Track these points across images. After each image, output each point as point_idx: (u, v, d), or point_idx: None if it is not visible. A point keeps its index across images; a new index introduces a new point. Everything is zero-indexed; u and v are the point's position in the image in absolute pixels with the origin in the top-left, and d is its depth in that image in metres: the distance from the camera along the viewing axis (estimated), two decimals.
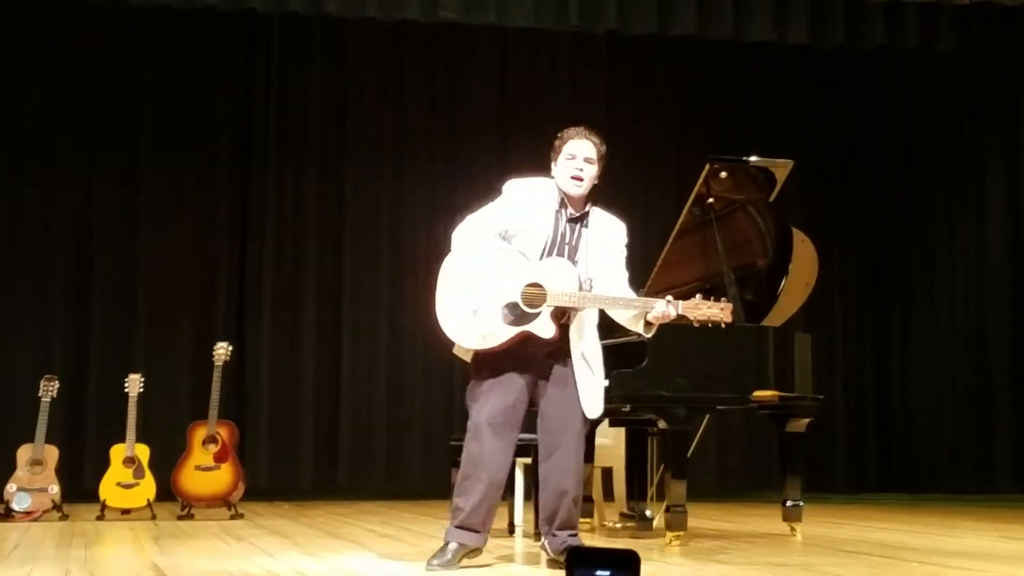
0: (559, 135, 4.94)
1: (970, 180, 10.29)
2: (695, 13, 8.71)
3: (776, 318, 6.25)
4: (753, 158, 6.23)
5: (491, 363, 4.76)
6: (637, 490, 6.55)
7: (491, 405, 4.74)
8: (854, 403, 10.80)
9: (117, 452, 7.42)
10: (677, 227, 6.13)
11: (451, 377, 9.97)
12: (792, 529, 6.17)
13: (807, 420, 6.22)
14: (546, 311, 4.66)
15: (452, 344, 4.89)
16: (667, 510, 5.72)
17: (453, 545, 4.71)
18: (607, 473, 6.90)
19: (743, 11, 8.78)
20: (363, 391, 9.90)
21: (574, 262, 4.77)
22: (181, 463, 7.48)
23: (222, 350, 7.70)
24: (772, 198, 6.33)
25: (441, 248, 10.46)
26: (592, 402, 4.81)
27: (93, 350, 9.36)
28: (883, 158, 11.07)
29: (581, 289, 4.71)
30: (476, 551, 4.78)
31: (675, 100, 10.69)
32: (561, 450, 4.79)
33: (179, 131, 9.71)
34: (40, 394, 7.46)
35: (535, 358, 4.75)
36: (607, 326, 6.44)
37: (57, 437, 7.66)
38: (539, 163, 10.53)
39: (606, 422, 6.65)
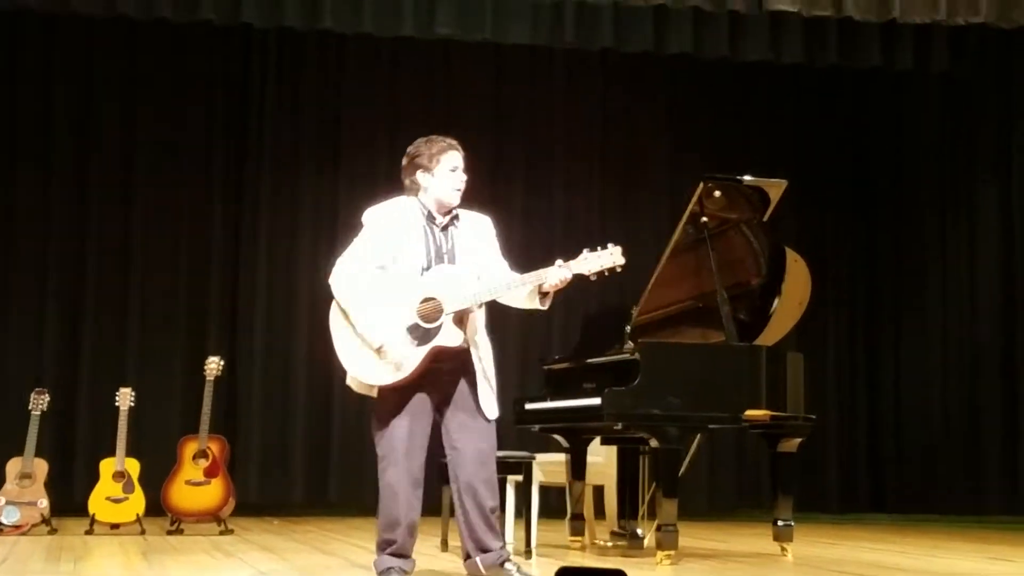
0: (427, 143, 4.88)
1: (962, 201, 10.31)
2: (690, 32, 8.74)
3: (769, 337, 6.24)
4: (747, 177, 6.23)
5: (396, 390, 4.71)
6: (628, 509, 6.53)
7: (400, 432, 4.75)
8: (846, 423, 10.80)
9: (107, 466, 7.39)
10: (671, 245, 6.12)
11: None
12: (783, 549, 6.16)
13: (799, 440, 6.21)
14: (447, 320, 4.63)
15: (350, 379, 4.85)
16: (658, 529, 5.71)
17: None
18: (598, 491, 6.88)
19: (738, 30, 8.81)
20: (354, 407, 9.85)
21: (444, 262, 4.74)
22: (171, 478, 7.45)
23: (214, 365, 7.68)
24: (766, 218, 6.33)
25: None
26: (491, 405, 4.79)
27: (84, 364, 9.33)
28: (876, 179, 11.09)
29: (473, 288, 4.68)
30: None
31: (669, 118, 10.70)
32: (479, 478, 4.82)
33: (174, 146, 9.70)
34: (30, 407, 7.44)
35: (439, 375, 4.71)
36: (593, 340, 6.46)
37: (47, 450, 7.64)
38: (533, 178, 10.57)
39: (597, 440, 6.65)
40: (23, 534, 7.13)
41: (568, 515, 6.62)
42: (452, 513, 6.26)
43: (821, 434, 9.93)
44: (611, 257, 4.76)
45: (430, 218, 4.81)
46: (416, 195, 4.86)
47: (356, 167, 10.08)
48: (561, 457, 6.69)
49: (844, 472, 10.70)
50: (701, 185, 6.08)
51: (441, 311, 4.64)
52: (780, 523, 6.17)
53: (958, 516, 9.62)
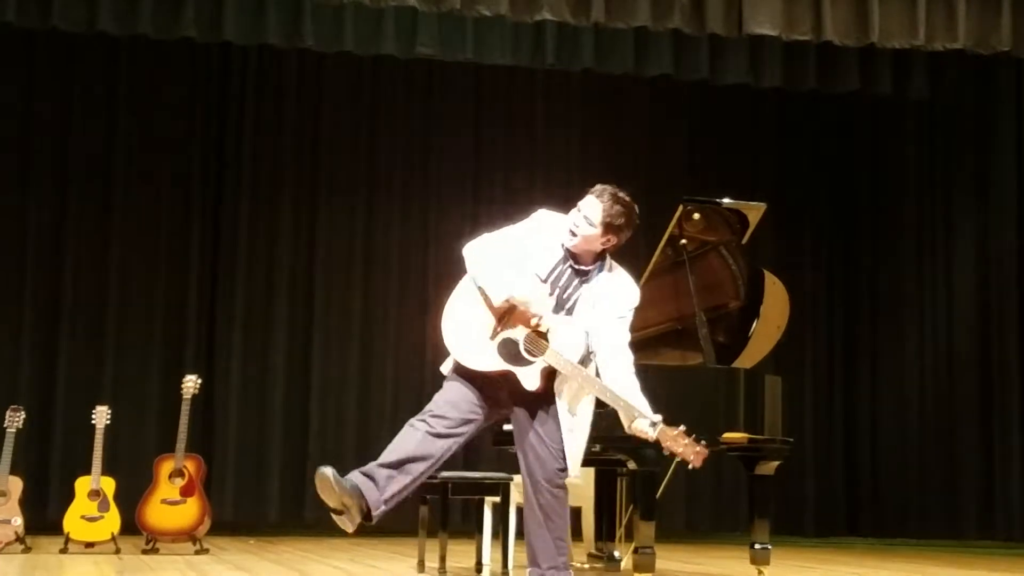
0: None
1: (940, 226, 10.36)
2: (670, 54, 8.78)
3: (747, 360, 6.25)
4: (726, 200, 6.25)
5: (472, 375, 4.62)
6: (605, 530, 6.52)
7: (453, 402, 4.64)
8: (823, 447, 10.81)
9: (82, 484, 7.34)
10: (649, 268, 6.13)
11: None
12: (760, 572, 6.15)
13: (776, 463, 6.21)
14: (539, 363, 4.52)
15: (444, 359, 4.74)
16: (635, 551, 5.69)
17: None
18: (576, 513, 6.85)
19: (718, 53, 8.86)
20: (332, 426, 9.85)
21: (570, 313, 4.61)
22: (147, 497, 7.40)
23: (191, 383, 7.64)
24: (745, 240, 6.35)
25: (413, 283, 10.50)
26: (573, 458, 4.66)
27: (60, 381, 9.28)
28: (855, 203, 11.15)
29: (585, 359, 4.57)
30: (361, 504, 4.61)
31: (649, 139, 10.73)
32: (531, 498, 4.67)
33: (152, 163, 9.68)
34: (5, 425, 7.38)
35: (516, 390, 4.59)
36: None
37: (22, 468, 7.57)
38: (512, 200, 10.58)
39: None
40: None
41: None
42: (430, 532, 6.26)
43: (798, 457, 9.94)
44: (693, 455, 4.56)
45: (571, 255, 4.68)
46: None
47: (336, 186, 10.08)
48: None
49: (821, 495, 10.71)
50: (680, 207, 6.10)
51: (542, 353, 4.51)
52: (757, 546, 6.16)
53: (935, 540, 9.64)
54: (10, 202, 9.38)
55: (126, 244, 9.57)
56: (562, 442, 4.62)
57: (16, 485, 7.27)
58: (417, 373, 9.80)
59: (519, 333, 4.55)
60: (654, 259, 6.12)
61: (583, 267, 4.68)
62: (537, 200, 10.50)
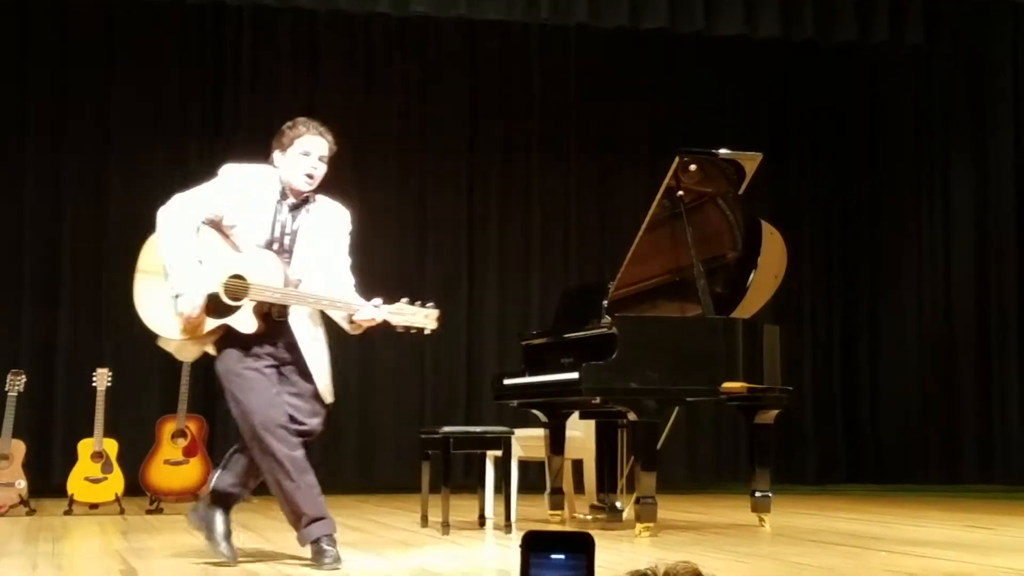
0: (291, 124, 4.76)
1: (938, 173, 10.35)
2: (666, 7, 8.72)
3: (745, 310, 6.28)
4: (722, 151, 6.24)
5: (242, 363, 4.62)
6: (607, 482, 6.56)
7: (261, 405, 4.61)
8: (823, 395, 10.86)
9: (85, 447, 7.38)
10: (647, 220, 6.13)
11: (422, 371, 9.98)
12: (761, 520, 6.21)
13: (776, 411, 6.25)
14: (248, 305, 4.56)
15: (156, 336, 4.77)
16: (637, 502, 5.74)
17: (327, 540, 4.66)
18: (577, 465, 6.92)
19: (713, 5, 8.80)
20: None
21: (292, 251, 4.66)
22: (150, 457, 7.45)
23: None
24: (741, 191, 6.35)
25: (411, 240, 10.51)
26: (327, 388, 4.73)
27: (61, 344, 9.28)
28: (852, 151, 11.13)
29: (287, 284, 4.61)
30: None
31: (645, 93, 10.70)
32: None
33: (148, 125, 9.64)
34: (7, 388, 7.41)
35: (267, 352, 4.64)
36: (571, 316, 6.48)
37: (24, 432, 7.60)
38: (509, 156, 10.55)
39: (576, 414, 6.68)
40: (1, 515, 7.10)
41: (547, 489, 6.65)
42: (432, 488, 6.30)
43: (798, 406, 9.99)
44: (425, 319, 4.65)
45: (283, 195, 4.71)
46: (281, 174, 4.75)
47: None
48: (540, 432, 6.72)
49: (821, 443, 10.77)
50: (677, 159, 6.09)
51: (246, 293, 4.55)
52: (758, 494, 6.22)
53: (934, 485, 9.70)
54: (7, 166, 9.35)
55: (124, 207, 9.52)
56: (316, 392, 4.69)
57: (19, 449, 7.30)
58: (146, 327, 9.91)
59: (217, 285, 4.59)
60: (651, 211, 6.12)
61: (297, 201, 4.73)
62: (532, 155, 10.56)
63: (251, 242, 4.62)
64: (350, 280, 4.81)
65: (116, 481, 7.34)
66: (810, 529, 6.28)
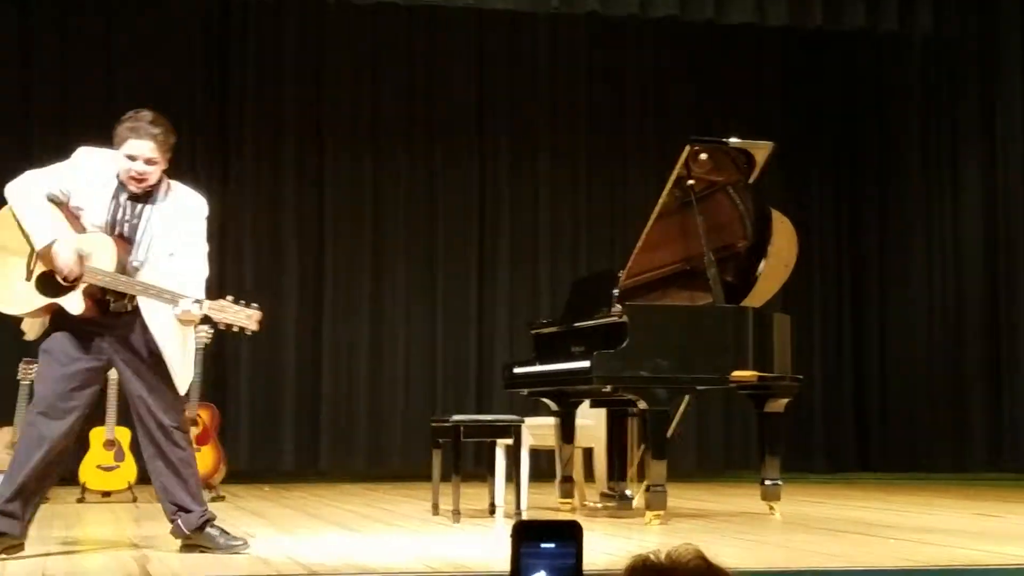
0: (123, 119, 4.64)
1: (947, 160, 10.33)
2: None
3: (756, 299, 6.28)
4: (733, 140, 6.24)
5: (59, 344, 4.60)
6: (617, 470, 6.58)
7: (49, 391, 4.59)
8: (832, 383, 10.86)
9: (97, 435, 7.40)
10: (657, 209, 6.13)
11: (432, 360, 10.00)
12: (771, 508, 6.22)
13: (786, 400, 6.26)
14: (80, 287, 4.53)
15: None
16: (647, 490, 5.76)
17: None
18: (588, 453, 6.94)
19: None
20: (343, 374, 9.90)
21: (134, 240, 4.58)
22: None
23: (203, 334, 7.66)
24: (752, 180, 6.35)
25: (422, 230, 10.50)
26: (183, 378, 4.67)
27: None
28: (861, 140, 11.11)
29: (125, 272, 4.54)
30: (13, 540, 4.54)
31: (654, 82, 10.69)
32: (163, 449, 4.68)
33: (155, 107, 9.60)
34: (19, 377, 7.43)
35: (107, 340, 4.61)
36: (581, 304, 6.49)
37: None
38: (518, 145, 10.54)
39: (587, 403, 6.69)
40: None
41: (558, 478, 6.67)
42: (443, 476, 6.32)
43: (807, 394, 10.00)
44: (247, 320, 4.58)
45: (123, 185, 4.63)
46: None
47: (339, 137, 10.04)
48: (550, 420, 6.74)
49: (830, 432, 10.78)
50: (687, 148, 6.09)
51: (79, 276, 4.52)
52: (768, 482, 6.23)
53: (944, 474, 9.71)
54: (12, 152, 9.35)
55: None
56: (170, 383, 4.64)
57: None
58: (427, 312, 9.93)
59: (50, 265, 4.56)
60: (661, 200, 6.12)
61: (138, 192, 4.63)
62: (541, 145, 10.53)
63: (93, 226, 4.57)
64: (200, 270, 4.68)
65: (128, 469, 7.37)
66: (820, 517, 6.29)
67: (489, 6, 8.86)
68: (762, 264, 6.34)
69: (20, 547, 4.53)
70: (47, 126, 9.34)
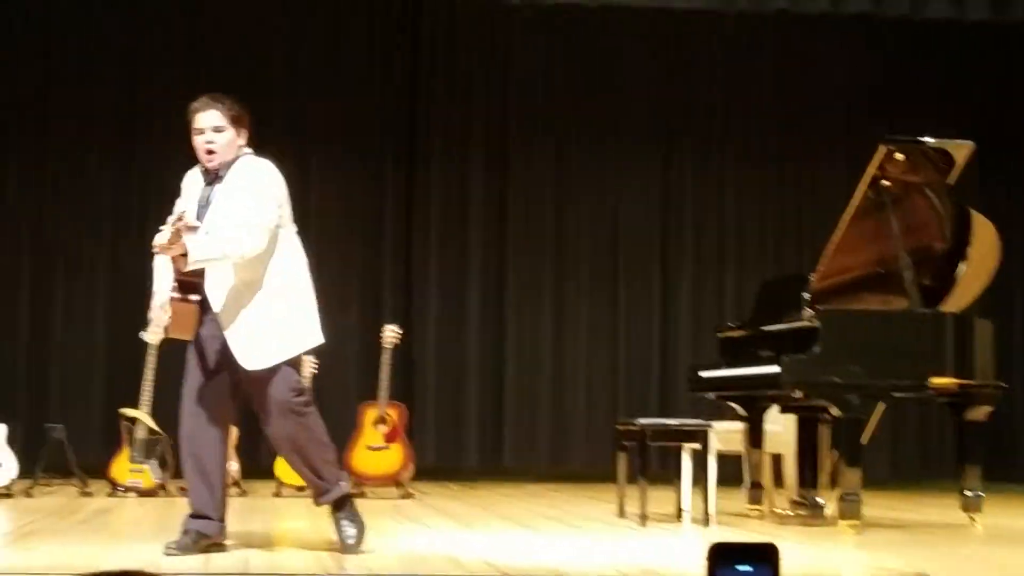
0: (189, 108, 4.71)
1: None
2: None
3: (955, 303, 6.08)
4: (929, 139, 6.06)
5: (193, 347, 4.70)
6: (809, 477, 6.44)
7: (191, 389, 4.68)
8: None
9: None
10: (850, 210, 5.99)
11: (615, 361, 9.97)
12: (972, 519, 6.01)
13: (988, 408, 6.04)
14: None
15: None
16: (841, 498, 5.63)
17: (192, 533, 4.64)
18: (776, 459, 6.82)
19: None
20: (526, 375, 9.95)
21: (202, 221, 4.58)
22: (352, 443, 7.63)
23: (391, 333, 7.80)
24: (951, 180, 6.14)
25: (605, 230, 10.44)
26: (245, 353, 4.56)
27: None
28: None
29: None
30: (211, 539, 4.66)
31: (847, 80, 10.37)
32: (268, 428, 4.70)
33: (343, 122, 9.81)
34: None
35: (205, 337, 4.64)
36: (769, 308, 6.37)
37: (236, 416, 7.87)
38: (703, 146, 10.38)
39: (775, 408, 6.58)
40: None
41: (746, 484, 6.57)
42: (629, 479, 6.30)
43: (1008, 402, 9.59)
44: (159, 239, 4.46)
45: (205, 173, 4.70)
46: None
47: (525, 138, 10.09)
48: (738, 425, 6.65)
49: None
50: (882, 148, 5.94)
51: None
52: (968, 493, 6.02)
53: None
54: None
55: (324, 203, 9.71)
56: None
57: (233, 433, 7.57)
58: (610, 313, 9.90)
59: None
60: (854, 202, 5.98)
61: (213, 172, 4.66)
62: (728, 147, 10.34)
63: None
64: (241, 224, 4.52)
65: None
66: None
67: (682, 6, 8.77)
68: (961, 267, 6.14)
69: (224, 546, 4.67)
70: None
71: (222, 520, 4.73)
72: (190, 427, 4.73)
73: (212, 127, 4.62)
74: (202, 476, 4.69)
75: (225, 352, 4.58)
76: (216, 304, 4.56)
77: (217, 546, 4.67)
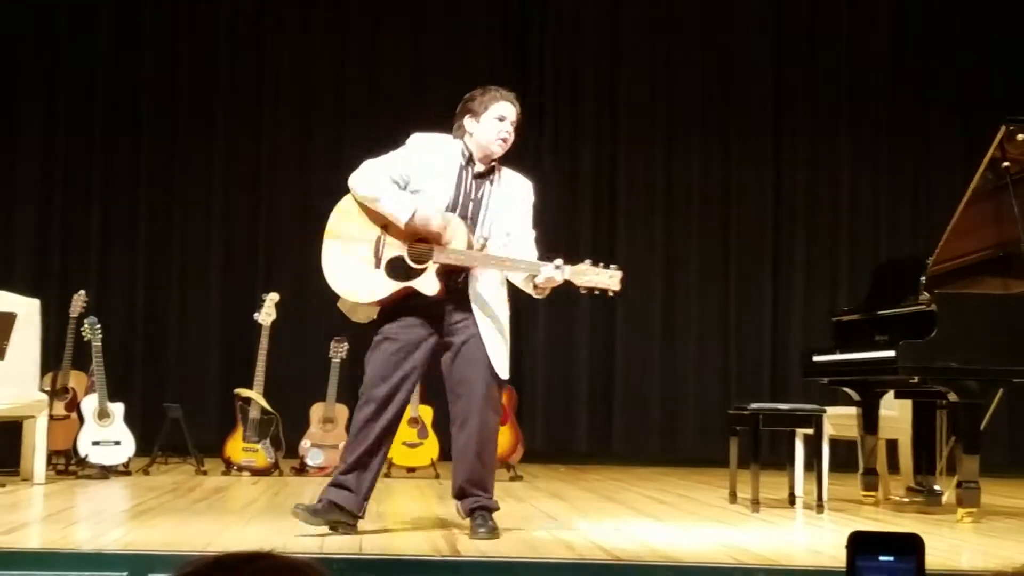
0: (482, 91, 4.77)
1: None
2: None
3: None
4: None
5: (393, 326, 4.67)
6: (925, 464, 6.33)
7: (380, 372, 4.67)
8: None
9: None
10: (969, 192, 5.85)
11: (726, 345, 9.89)
12: None
13: None
14: (432, 268, 4.56)
15: (337, 298, 4.75)
16: (959, 485, 5.52)
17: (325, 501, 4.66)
18: (891, 445, 6.71)
19: None
20: (636, 358, 9.92)
21: (477, 219, 4.65)
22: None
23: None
24: None
25: (712, 219, 10.35)
26: (502, 363, 4.67)
27: None
28: None
29: (471, 248, 4.58)
30: (348, 518, 4.63)
31: (962, 56, 10.11)
32: (474, 418, 4.66)
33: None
34: (330, 355, 7.81)
35: (436, 321, 4.64)
36: (884, 292, 6.26)
37: (347, 397, 7.99)
38: (817, 125, 10.20)
39: (890, 393, 6.47)
40: (327, 475, 7.49)
41: (860, 469, 6.48)
42: (740, 464, 6.25)
43: None
44: (609, 280, 4.61)
45: (469, 162, 4.73)
46: (463, 139, 4.77)
47: (633, 128, 10.03)
48: (851, 410, 6.55)
49: None
50: (1003, 128, 5.79)
51: (430, 256, 4.57)
52: None
53: None
54: (332, 141, 9.79)
55: None
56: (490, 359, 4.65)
57: (342, 412, 7.69)
58: (721, 296, 9.85)
59: (399, 249, 4.61)
60: (973, 183, 5.84)
61: (484, 169, 4.74)
62: (843, 128, 10.13)
63: (435, 207, 4.65)
64: (533, 252, 4.76)
65: (431, 446, 7.63)
66: None
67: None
68: None
69: (353, 526, 4.67)
70: (360, 115, 9.74)
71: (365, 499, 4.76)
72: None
73: (512, 121, 4.76)
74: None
75: (429, 344, 4.67)
76: (476, 306, 4.66)
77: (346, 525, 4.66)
